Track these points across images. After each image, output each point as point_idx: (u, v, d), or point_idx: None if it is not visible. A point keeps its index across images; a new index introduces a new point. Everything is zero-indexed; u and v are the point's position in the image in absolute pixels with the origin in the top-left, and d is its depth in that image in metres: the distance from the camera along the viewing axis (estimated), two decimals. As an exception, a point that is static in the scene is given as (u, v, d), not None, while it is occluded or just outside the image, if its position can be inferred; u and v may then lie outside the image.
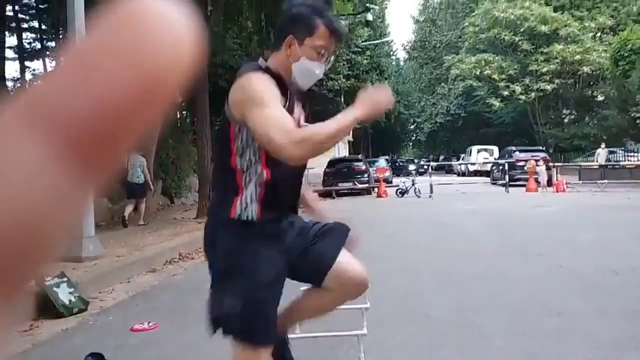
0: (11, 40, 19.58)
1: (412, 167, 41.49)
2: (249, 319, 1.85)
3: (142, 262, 6.80)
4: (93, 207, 6.93)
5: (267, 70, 1.87)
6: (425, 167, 41.13)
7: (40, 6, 19.73)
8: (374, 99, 1.78)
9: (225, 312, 1.87)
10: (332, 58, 2.01)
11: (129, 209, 10.68)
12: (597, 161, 21.92)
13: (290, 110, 1.87)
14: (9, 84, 18.99)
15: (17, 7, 19.00)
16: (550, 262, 6.24)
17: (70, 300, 4.83)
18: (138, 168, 10.75)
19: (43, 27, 20.94)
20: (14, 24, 18.91)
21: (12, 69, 22.59)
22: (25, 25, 20.22)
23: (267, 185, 1.90)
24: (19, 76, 19.90)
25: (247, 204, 1.90)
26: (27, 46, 20.61)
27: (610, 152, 23.95)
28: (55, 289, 4.79)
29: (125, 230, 9.82)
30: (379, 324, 3.76)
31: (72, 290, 4.93)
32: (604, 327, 3.81)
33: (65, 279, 4.98)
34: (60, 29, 18.64)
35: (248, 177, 1.90)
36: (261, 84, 1.77)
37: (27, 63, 20.58)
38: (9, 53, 19.14)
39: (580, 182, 18.96)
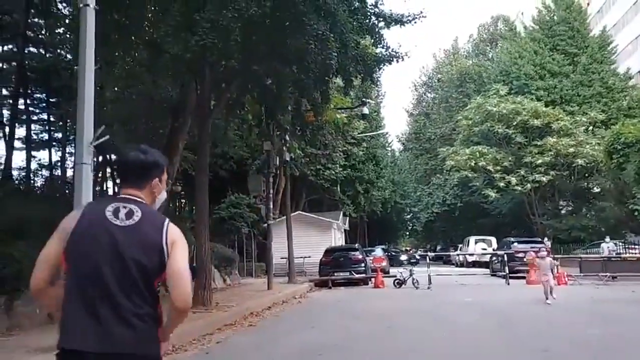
0: (20, 132, 20.34)
1: (403, 257, 39.94)
2: None
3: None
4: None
5: None
6: (418, 257, 40.05)
7: (50, 100, 20.52)
8: None
9: None
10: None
11: None
12: (604, 254, 21.45)
13: None
14: (14, 172, 19.38)
15: (28, 101, 19.83)
16: (556, 359, 5.97)
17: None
18: None
19: (51, 118, 21.69)
20: (24, 117, 19.68)
21: (18, 158, 23.16)
22: (35, 118, 21.02)
23: None
24: (25, 165, 20.35)
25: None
26: (35, 137, 21.23)
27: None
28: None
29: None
30: None
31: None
32: None
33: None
34: (68, 120, 19.25)
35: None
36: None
37: (33, 153, 21.07)
38: (17, 143, 19.78)
39: (581, 274, 18.65)
